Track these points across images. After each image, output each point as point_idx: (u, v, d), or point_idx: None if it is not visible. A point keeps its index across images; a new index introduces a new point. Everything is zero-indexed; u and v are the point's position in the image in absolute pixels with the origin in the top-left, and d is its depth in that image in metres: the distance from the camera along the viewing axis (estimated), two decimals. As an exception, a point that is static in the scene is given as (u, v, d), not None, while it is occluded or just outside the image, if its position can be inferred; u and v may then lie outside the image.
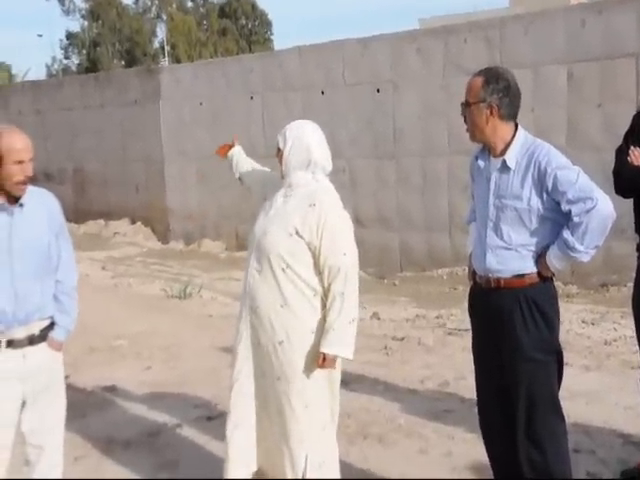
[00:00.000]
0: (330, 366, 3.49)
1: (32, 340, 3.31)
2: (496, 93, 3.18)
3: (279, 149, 3.64)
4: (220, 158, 4.28)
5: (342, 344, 3.45)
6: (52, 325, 3.41)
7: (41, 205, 3.39)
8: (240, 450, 3.62)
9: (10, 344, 3.25)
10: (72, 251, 3.57)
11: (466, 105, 3.27)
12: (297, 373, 3.50)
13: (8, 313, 3.21)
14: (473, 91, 3.23)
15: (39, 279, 3.32)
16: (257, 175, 4.09)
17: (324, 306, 3.51)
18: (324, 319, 3.50)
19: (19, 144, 3.20)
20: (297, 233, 3.46)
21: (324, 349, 3.44)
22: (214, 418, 5.00)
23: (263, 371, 3.59)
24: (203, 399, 5.39)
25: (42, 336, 3.35)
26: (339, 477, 3.66)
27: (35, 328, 3.33)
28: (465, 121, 3.32)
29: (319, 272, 3.49)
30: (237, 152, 4.20)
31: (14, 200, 3.25)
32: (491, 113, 3.20)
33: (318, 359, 3.46)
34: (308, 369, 3.51)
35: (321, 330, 3.49)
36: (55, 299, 3.42)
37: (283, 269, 3.48)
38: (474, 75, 3.27)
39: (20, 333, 3.27)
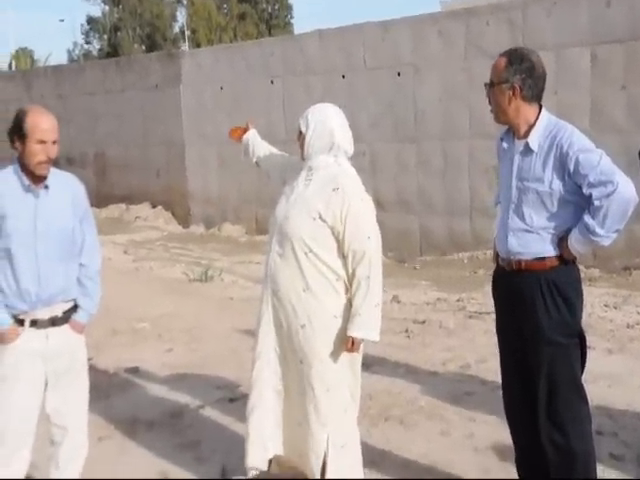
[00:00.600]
0: (357, 349, 3.51)
1: (55, 321, 3.35)
2: (519, 74, 3.16)
3: (301, 132, 3.63)
4: (234, 142, 4.23)
5: (369, 327, 3.46)
6: (75, 308, 3.45)
7: (66, 189, 3.43)
8: (257, 432, 3.64)
9: (34, 324, 3.30)
10: (96, 235, 3.60)
11: (490, 86, 3.25)
12: (319, 357, 3.51)
13: (32, 293, 3.26)
14: (497, 71, 3.21)
15: (63, 261, 3.36)
16: (275, 159, 4.07)
17: (346, 290, 3.52)
18: (348, 303, 3.51)
19: (44, 124, 3.24)
20: (320, 217, 3.46)
21: (352, 333, 3.45)
22: (236, 400, 5.04)
23: (284, 354, 3.60)
24: (224, 381, 5.43)
25: (65, 318, 3.40)
26: (360, 459, 3.68)
27: (58, 310, 3.37)
28: (489, 102, 3.30)
29: (342, 256, 3.49)
30: (252, 136, 4.17)
31: (39, 182, 3.29)
32: (513, 94, 3.18)
33: (346, 343, 3.47)
34: (330, 353, 3.51)
35: (343, 314, 3.51)
36: (79, 282, 3.46)
37: (306, 253, 3.48)
38: (499, 55, 3.25)
39: (43, 314, 3.32)
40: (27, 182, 3.27)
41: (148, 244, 12.03)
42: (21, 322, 3.29)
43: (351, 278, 3.48)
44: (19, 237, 3.24)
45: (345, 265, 3.49)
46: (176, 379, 5.53)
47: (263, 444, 3.65)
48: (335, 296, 3.51)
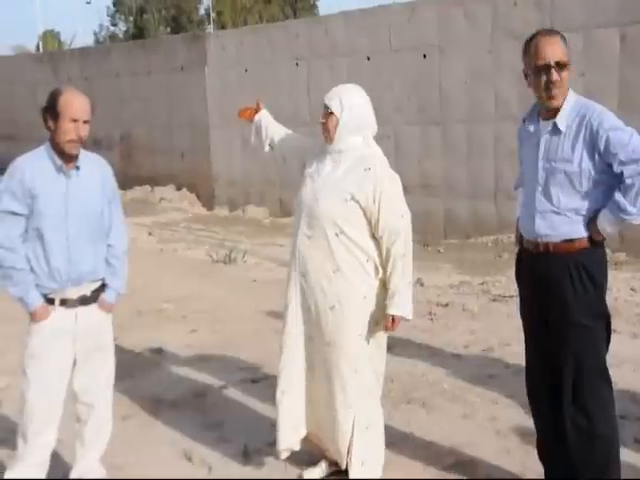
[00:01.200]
0: (396, 328, 3.52)
1: (84, 301, 3.40)
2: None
3: (330, 114, 3.55)
4: (245, 122, 4.11)
5: (407, 305, 3.49)
6: (103, 287, 3.50)
7: (96, 170, 3.49)
8: (288, 416, 3.65)
9: (63, 303, 3.36)
10: (123, 217, 3.66)
11: (562, 66, 3.09)
12: (348, 338, 3.51)
13: (62, 272, 3.31)
14: (565, 52, 3.09)
15: (92, 242, 3.41)
16: (293, 142, 3.96)
17: (376, 271, 3.53)
18: (380, 284, 3.52)
19: (77, 103, 3.29)
20: (353, 198, 3.46)
21: (393, 311, 3.46)
22: (258, 381, 5.07)
23: (312, 336, 3.60)
24: (247, 362, 5.46)
25: (94, 297, 3.45)
26: (383, 440, 3.69)
27: (87, 289, 3.42)
28: (548, 85, 3.09)
29: (373, 236, 3.50)
30: (265, 116, 4.06)
31: (71, 162, 3.34)
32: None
33: (386, 322, 3.49)
34: (359, 334, 3.52)
35: (373, 296, 3.52)
36: (107, 263, 3.52)
37: (337, 234, 3.48)
38: (547, 34, 3.14)
39: (73, 293, 3.37)
40: (59, 162, 3.32)
41: (172, 226, 12.09)
42: (51, 301, 3.35)
43: (386, 258, 3.49)
44: (50, 217, 3.29)
45: (378, 245, 3.50)
46: (199, 359, 5.57)
47: (295, 427, 3.67)
48: (365, 277, 3.51)
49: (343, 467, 3.64)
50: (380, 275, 3.54)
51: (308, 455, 3.83)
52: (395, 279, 3.47)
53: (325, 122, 3.58)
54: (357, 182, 3.46)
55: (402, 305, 3.47)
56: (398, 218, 3.48)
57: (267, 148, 4.06)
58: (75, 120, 3.26)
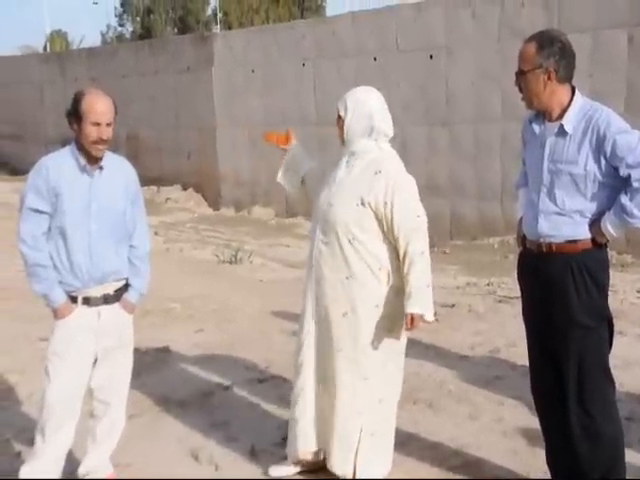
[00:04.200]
0: (417, 327, 3.43)
1: (107, 299, 3.44)
2: (552, 57, 3.11)
3: (339, 117, 3.60)
4: (277, 147, 4.07)
5: (426, 305, 3.41)
6: (126, 287, 3.53)
7: (120, 172, 3.53)
8: (300, 423, 3.65)
9: (86, 301, 3.39)
10: (146, 218, 3.70)
11: (520, 74, 3.20)
12: (358, 346, 3.51)
13: (84, 269, 3.34)
14: (528, 58, 3.15)
15: (114, 241, 3.45)
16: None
17: (388, 279, 3.50)
18: (394, 293, 3.49)
19: (99, 107, 3.33)
20: (363, 202, 3.46)
21: (411, 309, 3.37)
22: (265, 381, 5.08)
23: (324, 344, 3.59)
24: (254, 361, 5.46)
25: (116, 296, 3.48)
26: (391, 448, 3.69)
27: (110, 288, 3.46)
28: (520, 90, 3.25)
29: (387, 242, 3.48)
30: (299, 154, 4.04)
31: (95, 163, 3.38)
32: (549, 78, 3.13)
33: (405, 320, 3.41)
34: (370, 342, 3.51)
35: (384, 304, 3.50)
36: (129, 263, 3.55)
37: (350, 240, 3.48)
38: (525, 42, 3.19)
39: (96, 292, 3.41)
40: (83, 162, 3.36)
41: (179, 226, 12.12)
42: (74, 299, 3.38)
43: (403, 258, 3.44)
44: (73, 215, 3.33)
45: (390, 253, 3.48)
46: (206, 359, 5.58)
47: (303, 442, 3.66)
48: (377, 284, 3.50)
49: (348, 475, 3.60)
50: (391, 283, 3.50)
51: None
52: (413, 276, 3.41)
53: (337, 124, 3.61)
54: (367, 186, 3.47)
55: (421, 304, 3.38)
56: (414, 218, 3.47)
57: (294, 190, 4.07)
58: (97, 124, 3.30)
